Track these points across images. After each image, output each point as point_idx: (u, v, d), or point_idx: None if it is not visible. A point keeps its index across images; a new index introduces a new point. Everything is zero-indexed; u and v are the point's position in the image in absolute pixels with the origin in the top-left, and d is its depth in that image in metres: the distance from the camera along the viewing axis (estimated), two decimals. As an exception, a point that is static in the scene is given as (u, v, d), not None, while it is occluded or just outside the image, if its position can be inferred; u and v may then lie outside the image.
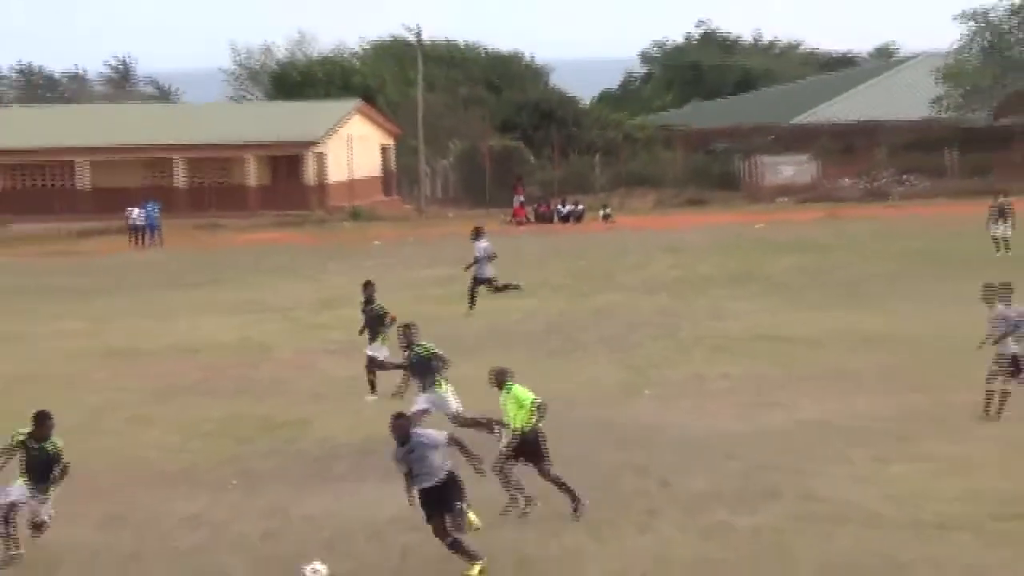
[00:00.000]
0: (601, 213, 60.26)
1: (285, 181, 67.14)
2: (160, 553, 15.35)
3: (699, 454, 18.61)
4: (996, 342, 20.11)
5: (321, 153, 66.56)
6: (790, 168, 67.24)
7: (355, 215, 63.22)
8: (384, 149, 73.73)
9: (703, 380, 23.80)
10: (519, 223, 60.00)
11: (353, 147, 69.07)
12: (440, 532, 13.93)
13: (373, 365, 22.54)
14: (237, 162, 66.76)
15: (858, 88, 78.57)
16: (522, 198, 62.20)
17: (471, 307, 32.10)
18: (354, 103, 71.63)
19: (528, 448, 15.93)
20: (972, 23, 68.76)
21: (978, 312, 29.41)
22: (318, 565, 13.48)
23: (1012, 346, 19.95)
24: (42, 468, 15.02)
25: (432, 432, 14.48)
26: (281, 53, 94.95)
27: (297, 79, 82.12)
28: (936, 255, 39.71)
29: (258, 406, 22.92)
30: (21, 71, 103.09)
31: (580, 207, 61.35)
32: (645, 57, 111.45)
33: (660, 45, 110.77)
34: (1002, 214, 39.96)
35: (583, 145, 70.60)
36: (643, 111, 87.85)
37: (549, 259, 44.46)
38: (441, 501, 14.05)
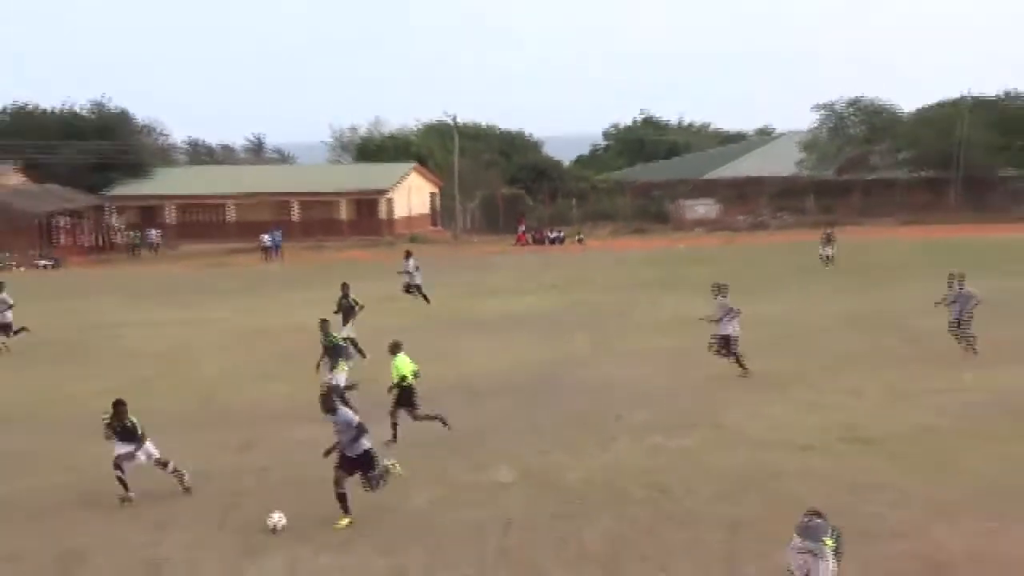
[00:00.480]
0: (577, 238, 60.01)
1: (366, 217, 66.78)
2: (283, 465, 15.25)
3: (643, 398, 18.51)
4: (715, 322, 20.06)
5: (390, 198, 66.36)
6: (702, 208, 66.92)
7: (412, 240, 62.92)
8: (432, 195, 73.49)
9: (645, 349, 23.67)
10: (522, 245, 59.80)
11: (411, 194, 69.00)
12: (337, 482, 12.71)
13: (352, 345, 22.23)
14: (334, 204, 66.54)
15: (747, 154, 78.17)
16: (524, 228, 62.06)
17: (416, 300, 31.85)
18: (412, 165, 71.35)
19: (406, 398, 15.98)
20: (823, 111, 68.84)
21: (819, 302, 29.28)
22: (277, 515, 12.46)
23: (727, 327, 19.91)
24: (127, 434, 13.88)
25: (349, 412, 13.18)
26: (363, 131, 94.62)
27: (374, 148, 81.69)
28: (800, 267, 39.55)
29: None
30: (190, 143, 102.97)
31: (562, 234, 61.06)
32: (606, 134, 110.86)
33: (615, 126, 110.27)
34: (828, 239, 39.56)
35: (565, 192, 70.35)
36: (605, 170, 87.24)
37: (542, 269, 44.24)
38: (355, 467, 12.80)
